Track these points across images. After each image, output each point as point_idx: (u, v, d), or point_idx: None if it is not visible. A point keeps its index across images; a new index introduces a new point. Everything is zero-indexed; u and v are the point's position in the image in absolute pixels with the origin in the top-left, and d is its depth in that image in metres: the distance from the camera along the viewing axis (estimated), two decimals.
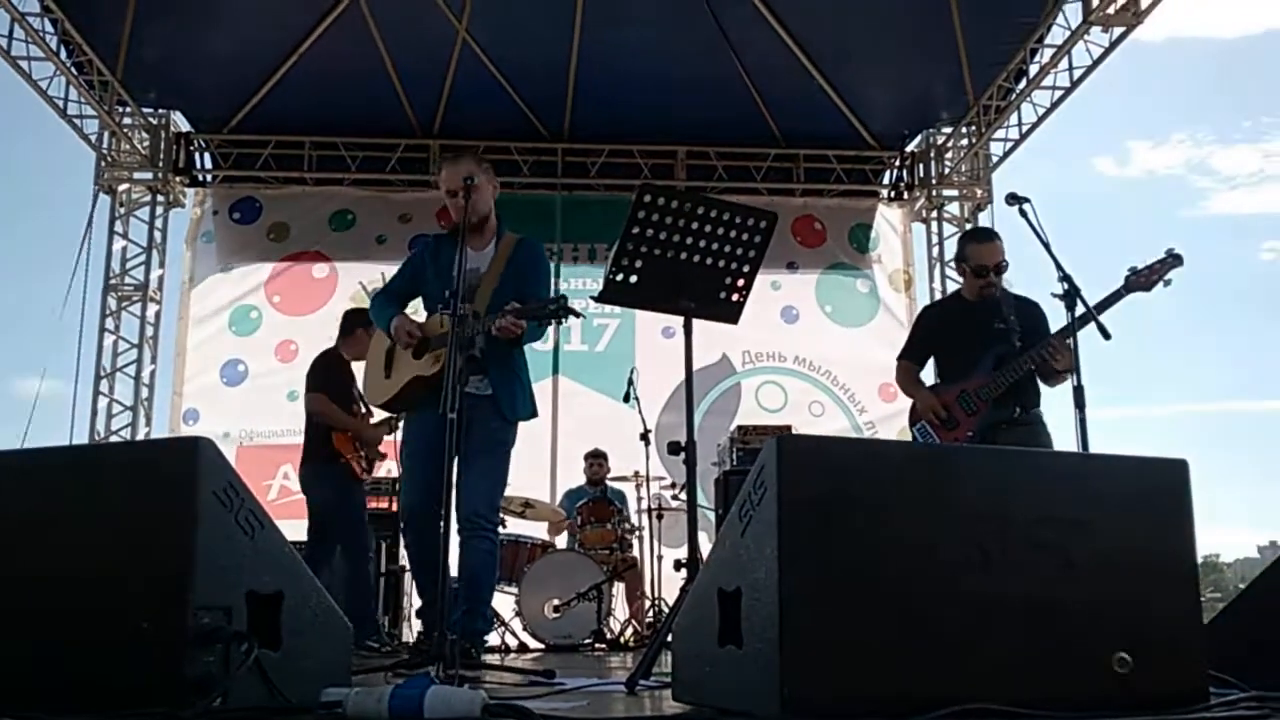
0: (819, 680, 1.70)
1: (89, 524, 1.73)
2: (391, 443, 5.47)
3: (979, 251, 4.40)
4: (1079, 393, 3.42)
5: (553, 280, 9.26)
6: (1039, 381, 4.22)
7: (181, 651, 1.63)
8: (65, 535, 1.73)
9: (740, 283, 3.35)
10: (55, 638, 1.68)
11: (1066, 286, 3.60)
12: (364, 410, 5.73)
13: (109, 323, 9.11)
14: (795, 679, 1.68)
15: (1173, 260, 3.78)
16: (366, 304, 8.70)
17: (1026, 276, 4.30)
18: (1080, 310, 3.61)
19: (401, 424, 4.27)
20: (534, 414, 4.14)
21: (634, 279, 3.22)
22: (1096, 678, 1.85)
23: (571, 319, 3.68)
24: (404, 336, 3.96)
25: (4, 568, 1.74)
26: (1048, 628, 1.85)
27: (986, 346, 4.19)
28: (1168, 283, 3.79)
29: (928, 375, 4.66)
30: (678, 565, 3.33)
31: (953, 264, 9.32)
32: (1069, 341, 3.89)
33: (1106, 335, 3.42)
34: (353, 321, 5.93)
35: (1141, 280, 3.80)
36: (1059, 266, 3.61)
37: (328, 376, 5.77)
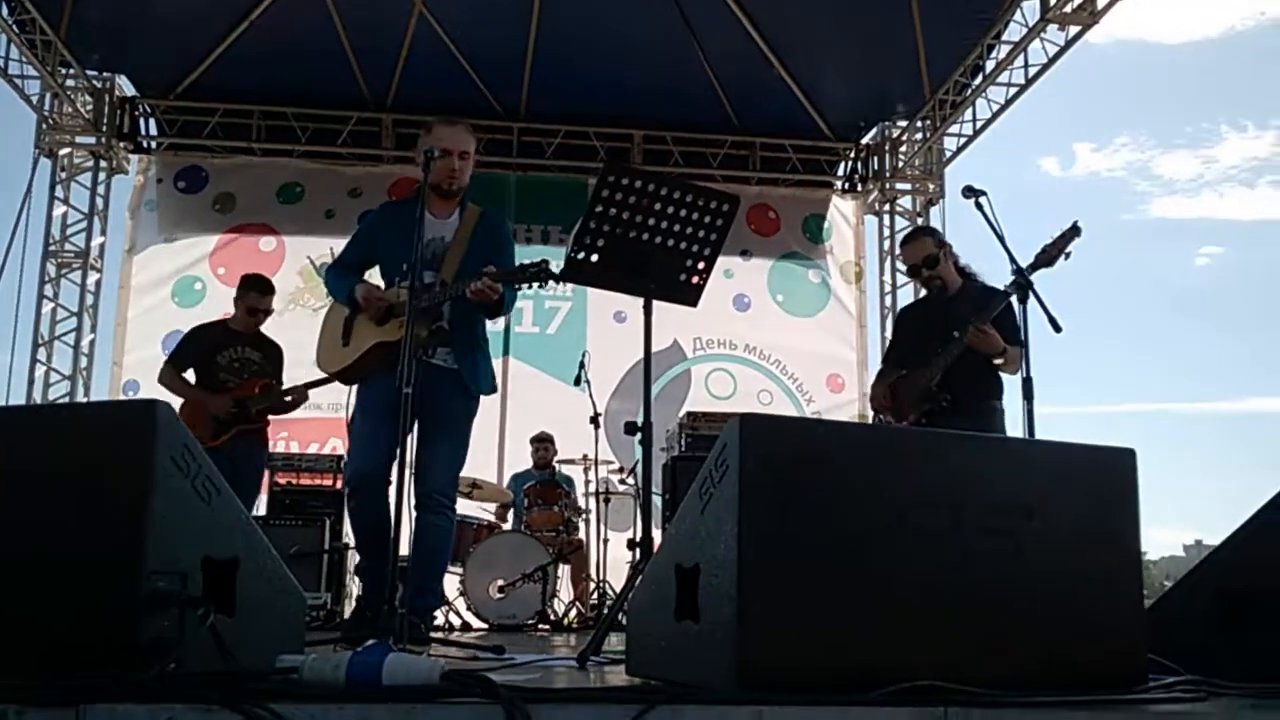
0: (774, 654, 1.72)
1: (41, 484, 1.69)
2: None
3: (905, 254, 4.65)
4: (1027, 384, 3.49)
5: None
6: (1000, 374, 4.29)
7: (136, 616, 1.61)
8: (16, 496, 1.69)
9: (701, 265, 3.37)
10: (7, 600, 1.64)
11: (1017, 279, 3.67)
12: (234, 381, 5.65)
13: (48, 290, 8.89)
14: (751, 653, 1.71)
15: (1072, 232, 3.84)
16: (315, 278, 8.62)
17: (983, 268, 4.37)
18: (1008, 284, 3.71)
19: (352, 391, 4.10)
20: (494, 389, 4.13)
21: (595, 258, 3.22)
22: (1042, 657, 1.90)
23: (536, 287, 3.68)
24: (374, 303, 3.88)
25: None
26: (997, 608, 1.90)
27: (935, 337, 4.27)
28: (1068, 255, 3.83)
29: None
30: (630, 544, 3.35)
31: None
32: (989, 327, 3.99)
33: (1057, 328, 3.49)
34: (240, 288, 5.95)
35: (1046, 256, 3.84)
36: (1012, 259, 3.68)
37: (181, 347, 5.87)
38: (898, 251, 4.45)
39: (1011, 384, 4.27)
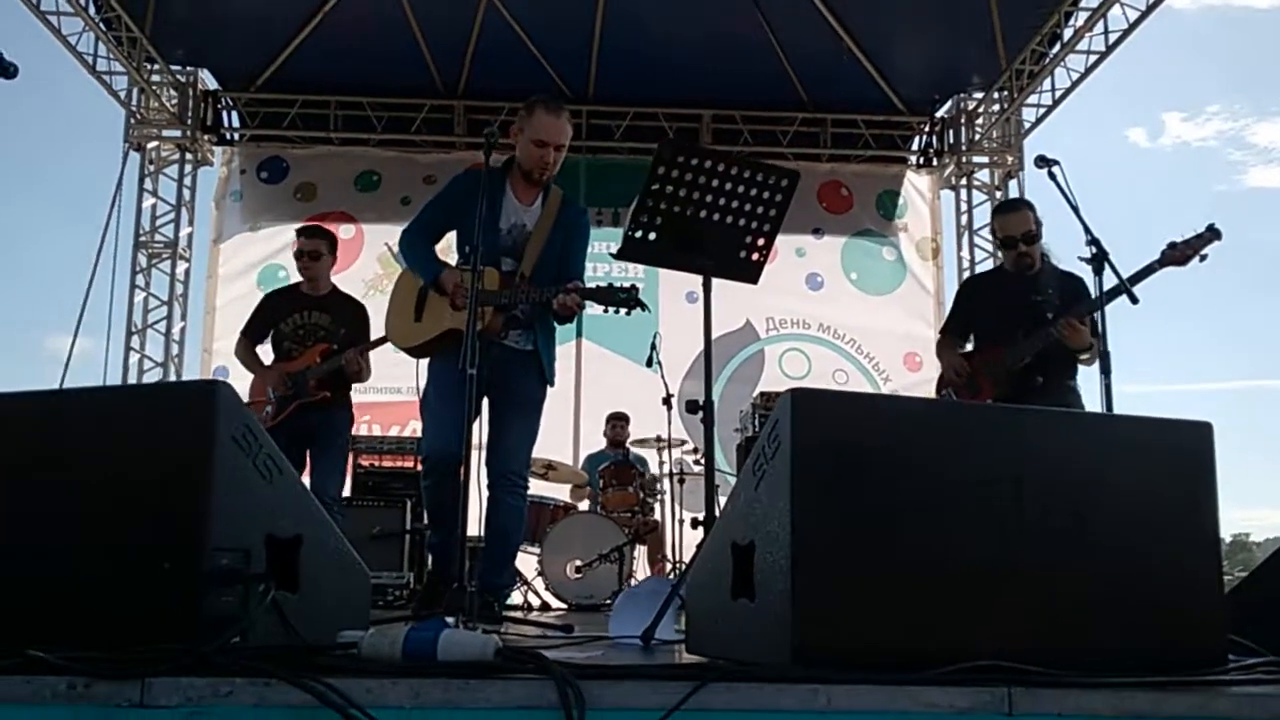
0: (831, 632, 1.70)
1: (108, 465, 1.74)
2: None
3: (1005, 223, 4.40)
4: (1105, 358, 3.39)
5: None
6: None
7: (200, 591, 1.65)
8: (85, 476, 1.75)
9: (760, 242, 3.32)
10: (76, 577, 1.71)
11: (1094, 250, 3.56)
12: (299, 350, 5.22)
13: (139, 279, 9.21)
14: (807, 630, 1.68)
15: (1210, 235, 3.71)
16: (393, 265, 8.76)
17: (1055, 241, 4.24)
18: (1108, 275, 3.57)
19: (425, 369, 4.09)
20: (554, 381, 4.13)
21: (653, 236, 3.20)
22: (1112, 638, 1.84)
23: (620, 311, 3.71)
24: (460, 297, 3.79)
25: (25, 508, 1.76)
26: (1062, 587, 1.84)
27: (1019, 318, 4.17)
28: (1204, 258, 3.72)
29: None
30: (695, 523, 3.34)
31: (981, 232, 9.33)
32: (1083, 321, 3.88)
33: (1134, 299, 3.38)
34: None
35: (1178, 255, 3.73)
36: (1087, 230, 3.56)
37: (251, 317, 5.49)
38: (986, 222, 4.31)
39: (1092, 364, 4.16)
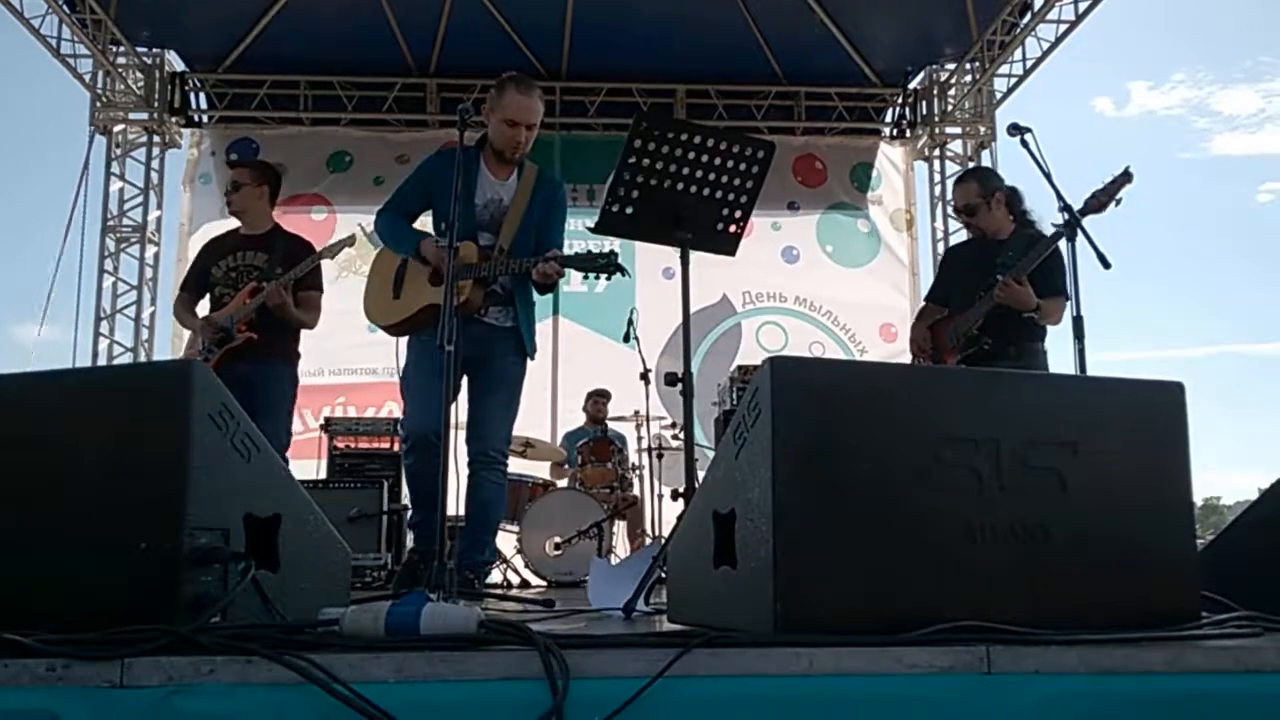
0: (812, 597, 1.71)
1: (84, 447, 1.73)
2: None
3: (953, 193, 4.60)
4: (1078, 323, 3.41)
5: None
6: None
7: (178, 571, 1.64)
8: (61, 458, 1.73)
9: (738, 214, 3.32)
10: (53, 558, 1.69)
11: (1066, 217, 3.58)
12: (230, 294, 4.62)
13: (108, 264, 9.10)
14: (788, 597, 1.70)
15: (1123, 178, 3.72)
16: (368, 246, 8.70)
17: (1029, 208, 4.29)
18: (1049, 236, 3.62)
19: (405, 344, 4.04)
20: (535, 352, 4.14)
21: (630, 210, 3.20)
22: (1088, 597, 1.87)
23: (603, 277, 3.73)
24: (463, 258, 3.68)
25: None
26: (1040, 548, 1.86)
27: (980, 282, 4.20)
28: (1118, 202, 3.71)
29: None
30: (675, 495, 3.35)
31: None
32: (1018, 282, 3.91)
33: (1106, 264, 3.39)
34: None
35: (1096, 203, 3.73)
36: (1059, 196, 3.58)
37: (188, 270, 4.97)
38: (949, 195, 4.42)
39: (1062, 324, 4.18)
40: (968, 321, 4.21)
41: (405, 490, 6.34)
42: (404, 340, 4.05)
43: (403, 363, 4.02)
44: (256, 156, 9.43)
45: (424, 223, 4.15)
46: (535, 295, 4.08)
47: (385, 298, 4.01)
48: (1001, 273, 4.04)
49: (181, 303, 4.89)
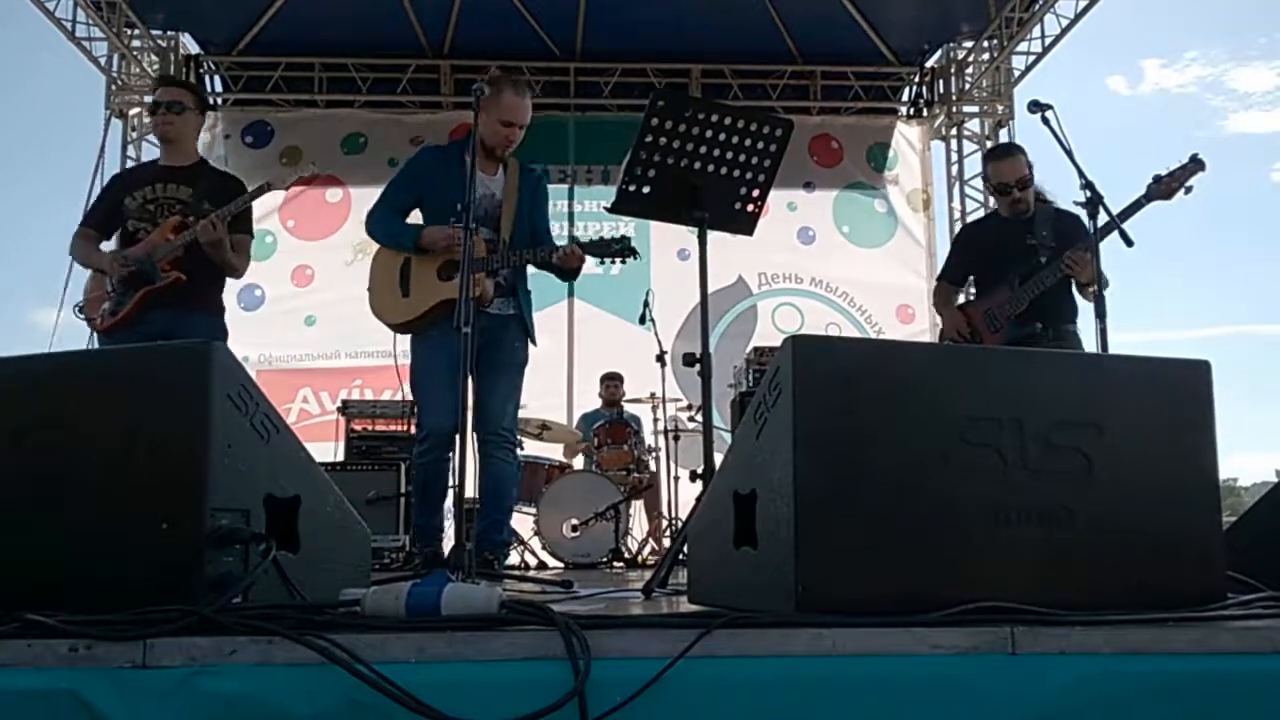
0: (833, 578, 1.70)
1: (104, 427, 1.72)
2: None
3: (998, 169, 4.41)
4: (1100, 302, 3.39)
5: (566, 203, 9.24)
6: (1075, 297, 4.20)
7: (200, 552, 1.64)
8: (82, 439, 1.73)
9: (755, 193, 3.30)
10: (75, 540, 1.69)
11: (1089, 194, 3.55)
12: (146, 229, 4.01)
13: None
14: (810, 577, 1.68)
15: (1195, 166, 3.71)
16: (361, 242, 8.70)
17: (1050, 185, 4.25)
18: (1102, 219, 3.56)
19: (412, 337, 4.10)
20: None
21: (647, 189, 3.18)
22: (1113, 578, 1.85)
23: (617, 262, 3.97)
24: (456, 250, 3.74)
25: (23, 471, 1.75)
26: (1065, 528, 1.84)
27: (1016, 263, 4.18)
28: (1189, 190, 3.72)
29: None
30: (693, 476, 3.35)
31: (972, 183, 9.28)
32: (1088, 253, 3.87)
33: (1129, 242, 3.37)
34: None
35: (1164, 188, 3.73)
36: (1081, 174, 3.55)
37: (93, 203, 4.27)
38: (977, 172, 4.35)
39: (1084, 304, 4.17)
40: (1011, 305, 4.15)
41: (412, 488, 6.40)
42: (405, 337, 4.14)
43: (408, 361, 4.09)
44: (271, 139, 9.44)
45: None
46: (532, 286, 4.20)
47: (395, 297, 4.05)
48: (1044, 255, 4.00)
49: (83, 238, 4.13)
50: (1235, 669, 1.59)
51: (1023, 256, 4.11)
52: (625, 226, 9.13)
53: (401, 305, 4.02)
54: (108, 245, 4.17)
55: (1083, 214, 3.59)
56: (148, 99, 9.18)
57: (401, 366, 4.29)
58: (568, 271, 4.02)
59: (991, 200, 4.56)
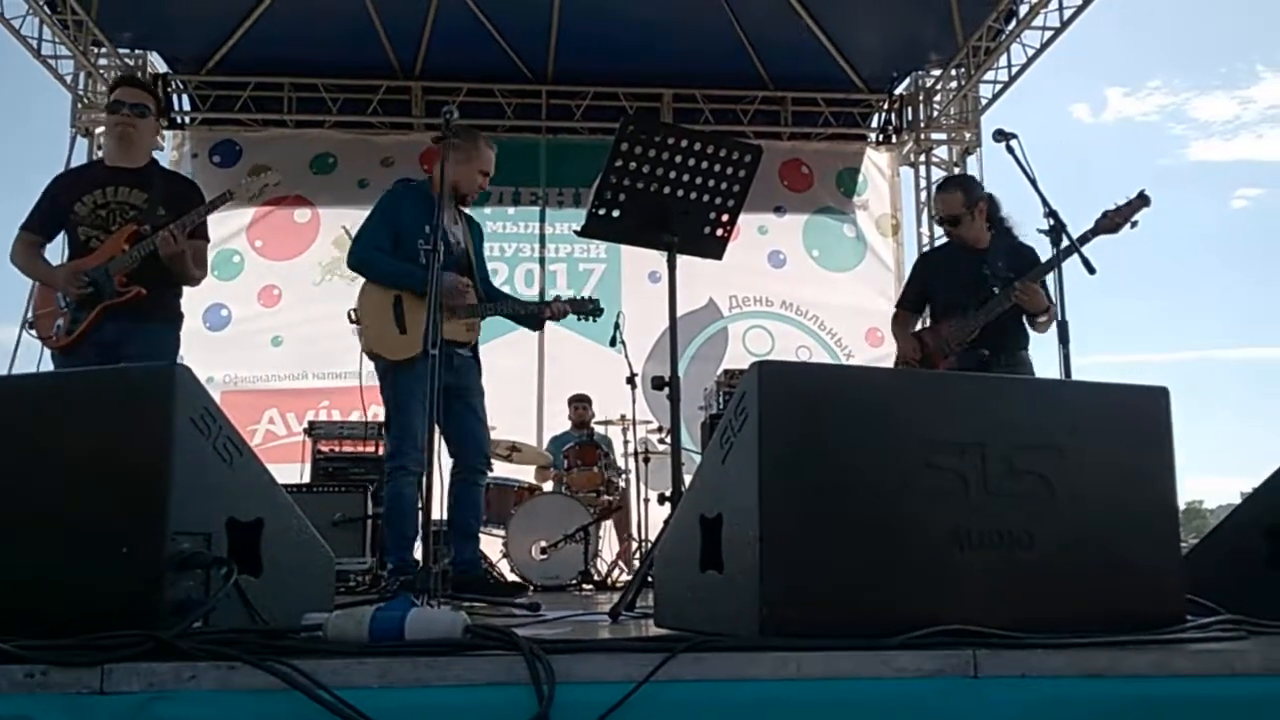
0: (798, 602, 1.71)
1: (65, 450, 1.70)
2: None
3: (936, 202, 4.59)
4: (1063, 328, 3.43)
5: (537, 225, 9.26)
6: (1027, 326, 4.26)
7: (160, 575, 1.62)
8: (42, 461, 1.71)
9: (725, 218, 3.33)
10: (33, 563, 1.67)
11: (1052, 223, 3.60)
12: (100, 237, 3.82)
13: None
14: (774, 601, 1.69)
15: (1140, 201, 3.79)
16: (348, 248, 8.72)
17: (1015, 213, 4.32)
18: (1063, 248, 3.62)
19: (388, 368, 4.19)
20: None
21: (617, 213, 3.19)
22: (1073, 600, 1.87)
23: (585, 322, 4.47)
24: (471, 295, 4.17)
25: None
26: (1026, 552, 1.86)
27: (970, 291, 4.23)
28: (1134, 224, 3.79)
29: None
30: (662, 499, 3.35)
31: None
32: (1038, 285, 3.95)
33: (1091, 269, 3.42)
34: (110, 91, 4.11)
35: (1110, 221, 3.80)
36: (1045, 202, 3.61)
37: (34, 206, 3.95)
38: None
39: (1047, 330, 4.23)
40: (963, 330, 4.21)
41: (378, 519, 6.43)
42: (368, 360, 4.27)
43: (373, 383, 4.23)
44: (239, 158, 9.40)
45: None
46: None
47: (391, 332, 4.13)
48: (997, 285, 4.07)
49: (26, 244, 3.89)
50: (1193, 692, 1.61)
51: (977, 285, 4.18)
52: (596, 248, 9.25)
53: (401, 341, 4.10)
54: (53, 250, 4.03)
55: (1046, 242, 3.65)
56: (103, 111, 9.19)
57: (368, 388, 4.35)
58: (539, 323, 4.60)
59: None
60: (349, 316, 4.26)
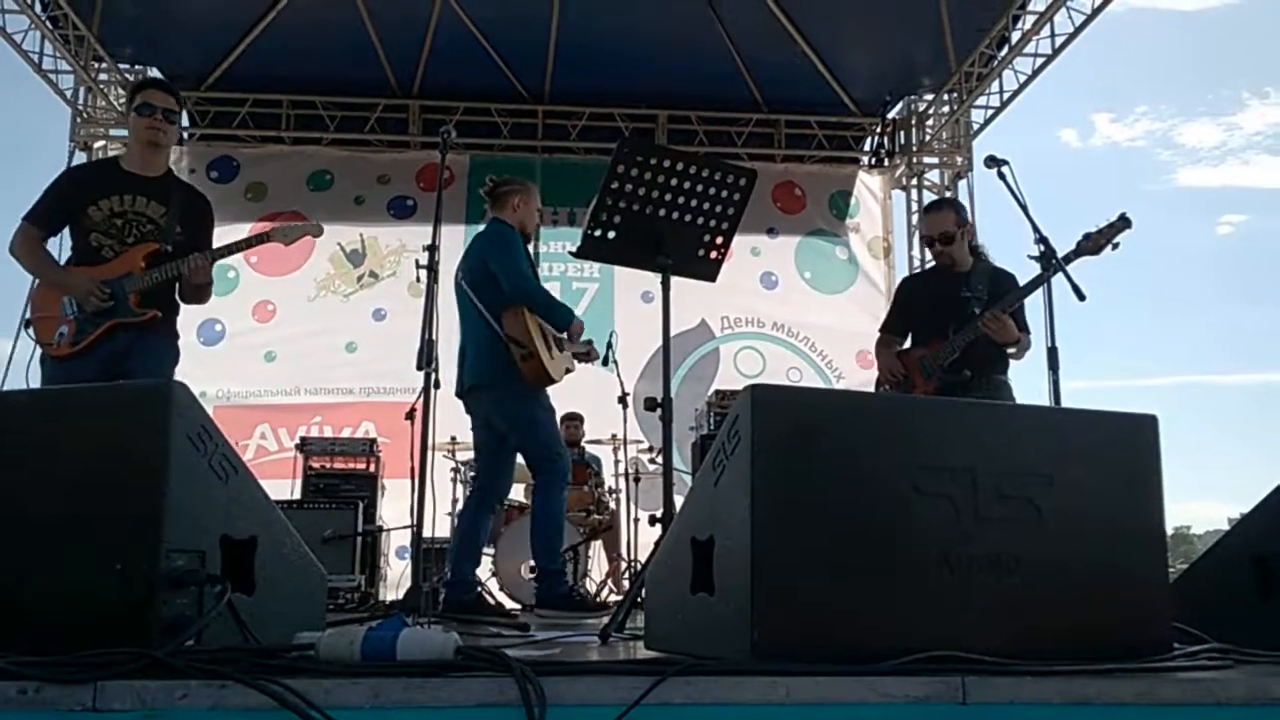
0: (789, 626, 1.72)
1: (61, 466, 1.71)
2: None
3: (924, 222, 4.63)
4: (1053, 354, 3.45)
5: (532, 244, 9.28)
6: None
7: (154, 593, 1.63)
8: (38, 477, 1.72)
9: (719, 240, 3.35)
10: (27, 579, 1.67)
11: (1042, 249, 3.63)
12: (114, 248, 3.71)
13: None
14: (765, 625, 1.70)
15: (1121, 224, 3.80)
16: (346, 265, 8.76)
17: (1005, 239, 4.35)
18: (1039, 274, 3.67)
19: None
20: None
21: (612, 235, 3.22)
22: (1061, 626, 1.88)
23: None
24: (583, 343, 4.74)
25: None
26: (1015, 578, 1.88)
27: (950, 314, 4.26)
28: (1115, 246, 3.80)
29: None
30: (652, 520, 3.36)
31: None
32: (1008, 315, 3.99)
33: (1081, 296, 3.44)
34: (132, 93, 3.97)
35: (1092, 244, 3.81)
36: (1036, 229, 3.63)
37: (43, 196, 3.80)
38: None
39: (1037, 355, 4.25)
40: (943, 353, 4.24)
41: (381, 512, 6.45)
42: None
43: (535, 411, 4.56)
44: (237, 174, 9.42)
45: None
46: None
47: (550, 356, 4.47)
48: (978, 306, 4.10)
49: (29, 238, 3.72)
50: None
51: (957, 309, 4.21)
52: (589, 267, 9.27)
53: (554, 364, 4.48)
54: (52, 247, 3.87)
55: (1033, 268, 3.68)
56: (114, 132, 9.21)
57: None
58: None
59: None
60: (509, 347, 4.35)
